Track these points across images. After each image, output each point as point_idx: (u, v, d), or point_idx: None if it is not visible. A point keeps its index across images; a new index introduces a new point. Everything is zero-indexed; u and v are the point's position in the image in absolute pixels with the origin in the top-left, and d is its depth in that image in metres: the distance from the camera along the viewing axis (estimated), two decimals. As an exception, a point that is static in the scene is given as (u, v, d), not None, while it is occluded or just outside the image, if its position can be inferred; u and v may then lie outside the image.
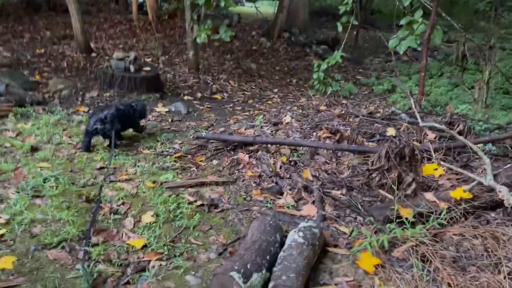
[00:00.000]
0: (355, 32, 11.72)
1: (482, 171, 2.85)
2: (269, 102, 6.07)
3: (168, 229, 2.40)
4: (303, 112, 5.08)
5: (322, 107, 5.43)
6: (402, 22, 5.15)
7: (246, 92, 6.44)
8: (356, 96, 6.70)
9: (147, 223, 2.43)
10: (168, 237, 2.30)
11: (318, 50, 10.09)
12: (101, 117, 3.46)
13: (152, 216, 2.51)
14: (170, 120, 4.57)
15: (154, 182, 2.97)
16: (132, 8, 9.72)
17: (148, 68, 5.38)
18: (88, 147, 3.52)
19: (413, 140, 3.38)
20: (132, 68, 5.16)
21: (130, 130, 3.92)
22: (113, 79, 5.07)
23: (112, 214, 2.50)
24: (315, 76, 6.38)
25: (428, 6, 5.13)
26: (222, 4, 6.00)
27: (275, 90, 6.95)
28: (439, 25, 5.02)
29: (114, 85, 5.08)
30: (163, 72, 6.46)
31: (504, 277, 1.89)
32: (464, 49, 8.96)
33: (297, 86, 7.51)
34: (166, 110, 4.88)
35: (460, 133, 3.59)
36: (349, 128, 3.86)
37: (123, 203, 2.66)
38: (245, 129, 4.33)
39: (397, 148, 2.94)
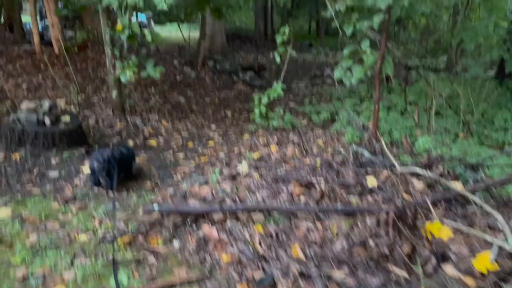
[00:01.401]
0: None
1: (497, 231, 2.54)
2: (211, 142, 5.45)
3: None
4: (257, 156, 4.56)
5: (273, 148, 4.97)
6: (345, 51, 4.93)
7: (182, 133, 5.75)
8: (299, 126, 6.35)
9: None
10: None
11: (245, 77, 9.71)
12: (97, 156, 3.56)
13: None
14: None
15: (104, 292, 2.21)
16: (33, 38, 8.49)
17: (67, 118, 4.47)
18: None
19: (404, 193, 3.01)
20: (47, 121, 4.22)
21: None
22: (23, 135, 4.09)
23: None
24: (256, 110, 5.95)
25: (370, 36, 4.95)
26: (148, 38, 5.31)
27: (213, 126, 6.35)
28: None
29: (25, 143, 4.10)
30: (84, 117, 5.53)
31: None
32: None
33: (234, 120, 6.99)
34: (96, 169, 4.03)
35: (441, 175, 3.33)
36: (322, 179, 3.41)
37: None
38: (199, 187, 3.68)
39: (395, 208, 2.54)
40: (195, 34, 13.46)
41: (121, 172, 3.71)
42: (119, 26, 5.22)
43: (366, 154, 4.05)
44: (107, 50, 5.66)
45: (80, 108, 5.89)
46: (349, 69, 4.93)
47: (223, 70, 9.77)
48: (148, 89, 7.83)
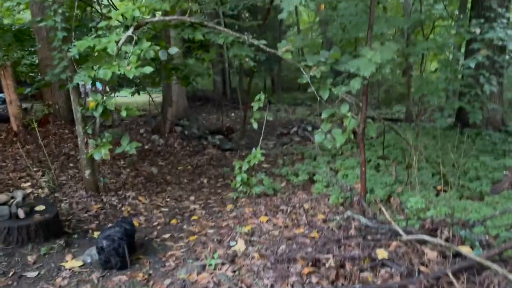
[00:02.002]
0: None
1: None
2: (194, 217, 5.21)
3: None
4: (248, 229, 4.38)
5: (263, 218, 4.81)
6: (324, 115, 5.00)
7: (162, 209, 5.47)
8: (280, 190, 6.25)
9: None
10: None
11: (215, 141, 9.64)
12: (106, 234, 3.63)
13: None
14: (93, 280, 3.39)
15: None
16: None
17: (41, 207, 4.12)
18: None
19: (421, 265, 2.93)
20: (21, 213, 3.86)
21: None
22: (-6, 233, 3.70)
23: None
24: (238, 178, 5.82)
25: (347, 100, 5.06)
26: (123, 114, 5.15)
27: (192, 198, 6.11)
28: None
29: (-4, 241, 3.70)
30: (56, 201, 5.15)
31: None
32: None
33: (211, 188, 6.80)
34: (80, 263, 3.67)
35: (447, 240, 3.30)
36: (330, 255, 3.27)
37: None
38: (197, 275, 3.42)
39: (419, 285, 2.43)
40: (155, 98, 13.45)
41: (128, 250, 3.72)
42: (91, 103, 5.05)
43: (362, 220, 3.98)
44: (79, 128, 5.42)
45: (50, 191, 5.50)
46: (329, 132, 4.99)
47: (192, 135, 9.66)
48: (117, 162, 7.53)
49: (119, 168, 7.28)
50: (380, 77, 4.22)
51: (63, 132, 8.46)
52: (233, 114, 16.89)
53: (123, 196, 5.66)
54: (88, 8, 8.79)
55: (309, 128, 11.15)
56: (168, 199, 5.93)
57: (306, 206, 5.38)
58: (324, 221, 4.50)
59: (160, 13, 6.21)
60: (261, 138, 6.71)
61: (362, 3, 6.21)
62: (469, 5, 9.14)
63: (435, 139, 8.57)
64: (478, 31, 6.81)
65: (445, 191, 5.84)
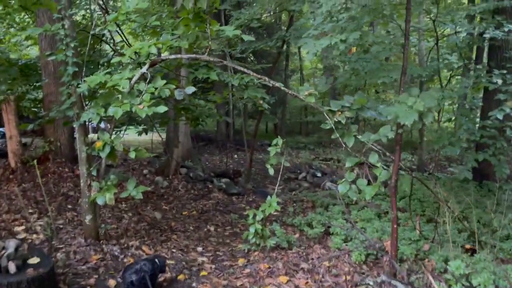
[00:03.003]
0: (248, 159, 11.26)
1: None
2: (204, 272, 4.70)
3: None
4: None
5: (282, 279, 4.32)
6: (348, 164, 4.66)
7: (168, 261, 4.96)
8: (295, 243, 5.77)
9: None
10: None
11: (221, 185, 9.21)
12: (136, 268, 3.74)
13: None
14: None
15: None
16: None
17: (36, 260, 3.63)
18: None
19: None
20: (12, 268, 3.37)
21: None
22: (-21, 291, 3.20)
23: None
24: (251, 229, 5.35)
25: (375, 148, 4.70)
26: (132, 155, 4.77)
27: (199, 248, 5.62)
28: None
29: (-19, 301, 3.20)
30: (51, 250, 4.65)
31: None
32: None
33: (219, 237, 6.31)
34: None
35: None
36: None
37: None
38: None
39: None
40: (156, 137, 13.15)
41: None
42: (98, 143, 4.67)
43: (400, 286, 3.51)
44: (82, 169, 5.01)
45: (45, 237, 5.00)
46: (353, 182, 4.62)
47: (197, 177, 9.24)
48: (118, 205, 7.06)
49: (121, 211, 6.80)
50: (420, 126, 3.87)
51: (62, 170, 8.02)
52: (236, 156, 16.53)
53: (125, 245, 5.16)
54: (98, 44, 8.62)
55: (319, 174, 10.75)
56: (174, 250, 5.42)
57: (326, 263, 4.90)
58: (354, 285, 4.01)
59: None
60: (277, 184, 6.29)
61: (395, 48, 6.00)
62: (485, 56, 9.04)
63: (453, 191, 8.17)
64: (500, 81, 6.62)
65: (474, 250, 5.38)
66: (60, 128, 8.22)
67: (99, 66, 8.24)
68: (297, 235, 6.35)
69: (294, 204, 8.54)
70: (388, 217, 6.90)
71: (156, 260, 4.08)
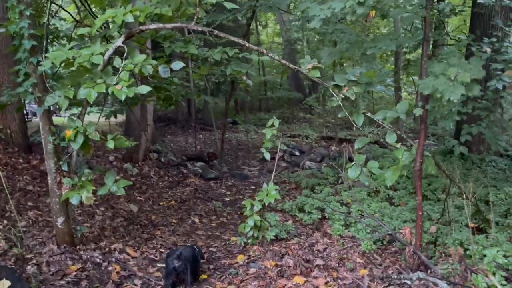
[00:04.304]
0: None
1: None
2: (203, 276, 4.12)
3: None
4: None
5: (298, 279, 3.83)
6: (357, 145, 4.25)
7: (159, 264, 4.34)
8: (293, 233, 5.31)
9: None
10: None
11: (196, 169, 8.55)
12: (177, 254, 3.71)
13: None
14: None
15: None
16: None
17: (5, 284, 2.89)
18: None
19: None
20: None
21: None
22: None
23: None
24: (249, 222, 4.81)
25: (390, 128, 4.23)
26: (110, 145, 4.03)
27: (188, 244, 5.01)
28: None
29: None
30: (17, 260, 3.85)
31: None
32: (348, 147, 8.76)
33: (207, 230, 5.72)
34: None
35: None
36: None
37: None
38: None
39: None
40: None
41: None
42: (68, 132, 3.89)
43: (443, 285, 3.12)
44: (50, 164, 4.19)
45: (8, 245, 4.18)
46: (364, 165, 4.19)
47: (169, 162, 8.51)
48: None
49: (91, 206, 5.99)
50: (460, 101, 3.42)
51: (16, 161, 7.01)
52: (201, 136, 15.77)
53: (106, 249, 4.44)
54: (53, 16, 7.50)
55: (297, 153, 10.32)
56: (161, 249, 4.78)
57: (336, 255, 4.47)
58: (379, 281, 3.58)
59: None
60: (274, 169, 5.75)
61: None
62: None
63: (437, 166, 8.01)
64: (489, 50, 6.38)
65: (479, 229, 5.16)
66: (10, 113, 7.16)
67: (54, 41, 7.17)
68: (290, 222, 5.90)
69: (277, 187, 8.05)
70: (380, 196, 6.60)
71: (195, 247, 4.08)
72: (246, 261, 4.45)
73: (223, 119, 11.06)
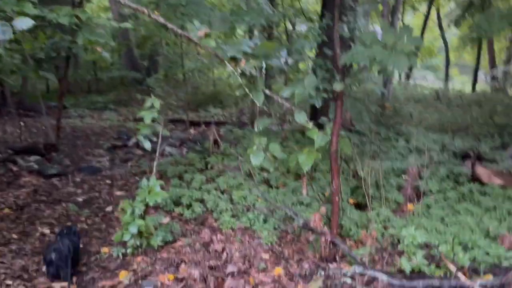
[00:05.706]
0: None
1: None
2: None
3: None
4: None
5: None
6: (259, 125, 3.85)
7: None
8: (178, 233, 4.57)
9: None
10: None
11: (31, 165, 6.84)
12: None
13: None
14: None
15: None
16: None
17: None
18: None
19: None
20: None
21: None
22: None
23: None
24: (132, 229, 3.89)
25: (288, 106, 3.88)
26: None
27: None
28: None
29: None
30: None
31: None
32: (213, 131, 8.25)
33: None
34: None
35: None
36: None
37: None
38: None
39: None
40: None
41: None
42: None
43: (383, 277, 2.88)
44: None
45: None
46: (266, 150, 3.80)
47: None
48: None
49: None
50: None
51: None
52: (22, 124, 13.08)
53: None
54: None
55: (154, 138, 9.26)
56: (8, 281, 3.46)
57: (237, 254, 3.94)
58: (302, 278, 3.19)
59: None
60: (156, 161, 4.86)
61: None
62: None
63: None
64: (346, 29, 6.68)
65: (359, 205, 5.31)
66: None
67: None
68: (168, 219, 5.10)
69: (137, 178, 7.06)
70: (260, 178, 6.30)
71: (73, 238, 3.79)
72: (133, 278, 3.55)
73: (60, 102, 9.24)
